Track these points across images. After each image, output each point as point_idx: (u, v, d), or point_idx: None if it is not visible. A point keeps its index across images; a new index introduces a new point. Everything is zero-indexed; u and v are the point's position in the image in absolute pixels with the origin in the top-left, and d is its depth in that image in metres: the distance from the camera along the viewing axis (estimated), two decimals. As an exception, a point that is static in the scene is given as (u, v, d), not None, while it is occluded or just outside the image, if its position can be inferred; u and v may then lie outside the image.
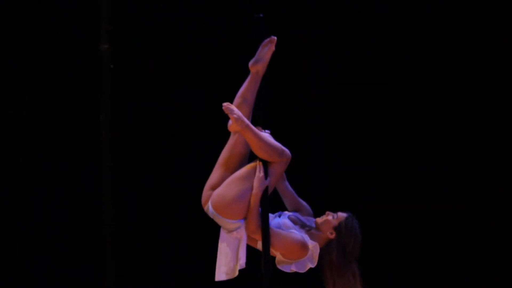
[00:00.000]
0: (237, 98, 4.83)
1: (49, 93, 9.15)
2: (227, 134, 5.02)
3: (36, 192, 9.35)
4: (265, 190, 4.72)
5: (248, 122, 4.70)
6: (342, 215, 4.88)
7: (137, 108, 9.46)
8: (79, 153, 9.22)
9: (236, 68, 5.35)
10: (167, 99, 9.41)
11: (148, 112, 9.35)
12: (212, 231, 5.06)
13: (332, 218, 4.84)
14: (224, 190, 4.75)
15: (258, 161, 4.76)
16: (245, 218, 4.79)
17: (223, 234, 4.82)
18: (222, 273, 4.83)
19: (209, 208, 4.81)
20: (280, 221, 4.90)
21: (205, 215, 4.89)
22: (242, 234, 4.84)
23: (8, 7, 8.82)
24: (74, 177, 9.26)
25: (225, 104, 4.71)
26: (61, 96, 9.15)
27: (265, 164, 4.74)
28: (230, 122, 4.76)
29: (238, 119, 4.68)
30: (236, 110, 4.70)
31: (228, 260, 4.84)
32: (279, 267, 4.87)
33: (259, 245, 4.87)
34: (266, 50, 4.87)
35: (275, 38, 4.90)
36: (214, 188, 4.83)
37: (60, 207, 9.31)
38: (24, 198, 9.46)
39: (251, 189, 4.71)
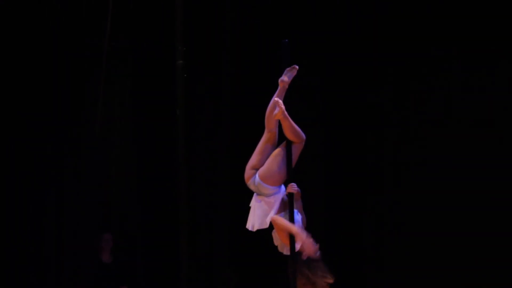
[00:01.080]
0: (271, 103, 6.29)
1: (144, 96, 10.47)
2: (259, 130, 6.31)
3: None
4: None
5: (286, 113, 6.16)
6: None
7: (203, 106, 10.52)
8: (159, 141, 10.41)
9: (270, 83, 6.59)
10: (227, 100, 10.46)
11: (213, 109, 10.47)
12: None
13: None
14: (268, 165, 6.21)
15: (284, 143, 6.18)
16: (280, 186, 6.24)
17: (258, 198, 6.25)
18: (255, 224, 6.25)
19: (254, 180, 6.26)
20: (297, 218, 6.25)
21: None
22: (276, 199, 6.26)
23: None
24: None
25: (276, 98, 6.22)
26: (151, 98, 10.42)
27: (289, 146, 6.20)
28: (276, 111, 6.15)
29: (283, 110, 6.11)
30: (282, 104, 6.15)
31: (262, 216, 6.21)
32: (283, 251, 6.23)
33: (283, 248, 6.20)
34: (290, 73, 6.33)
35: (297, 67, 6.30)
36: (254, 168, 6.27)
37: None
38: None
39: (284, 160, 6.14)
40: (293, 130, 6.22)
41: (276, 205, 6.23)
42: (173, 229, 8.87)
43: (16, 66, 10.03)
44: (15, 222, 9.94)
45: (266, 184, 6.24)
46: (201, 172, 10.44)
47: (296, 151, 6.29)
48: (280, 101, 6.18)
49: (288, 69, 6.35)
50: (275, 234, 6.26)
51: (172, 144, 8.95)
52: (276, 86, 6.44)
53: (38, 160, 10.09)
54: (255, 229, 6.27)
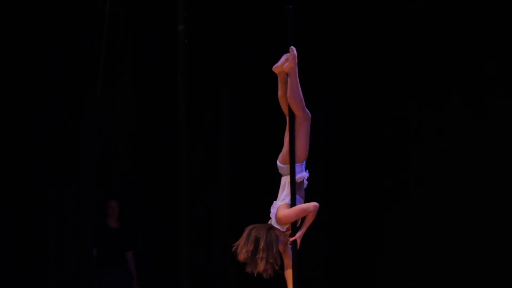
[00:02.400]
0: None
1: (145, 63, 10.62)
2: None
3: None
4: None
5: (296, 70, 5.72)
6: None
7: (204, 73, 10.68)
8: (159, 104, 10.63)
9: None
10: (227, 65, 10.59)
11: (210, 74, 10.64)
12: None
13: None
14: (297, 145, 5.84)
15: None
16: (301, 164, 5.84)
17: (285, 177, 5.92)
18: (284, 200, 5.91)
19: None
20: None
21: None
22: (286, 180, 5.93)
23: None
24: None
25: (293, 47, 5.74)
26: (152, 63, 10.60)
27: (292, 117, 5.79)
28: (281, 61, 5.73)
29: (295, 61, 5.68)
30: (295, 54, 5.70)
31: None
32: (278, 225, 5.83)
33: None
34: (285, 58, 5.81)
35: (294, 51, 5.78)
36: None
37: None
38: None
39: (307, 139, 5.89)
40: (295, 94, 5.76)
41: (286, 189, 5.92)
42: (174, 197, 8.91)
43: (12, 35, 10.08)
44: (18, 188, 10.10)
45: (280, 163, 6.01)
46: (202, 135, 10.56)
47: (301, 130, 5.88)
48: (295, 52, 5.77)
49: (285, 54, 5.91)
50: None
51: (174, 110, 8.88)
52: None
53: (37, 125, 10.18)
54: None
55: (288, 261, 5.86)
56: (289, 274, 5.81)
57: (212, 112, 10.50)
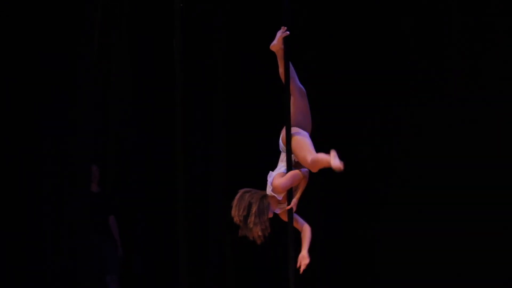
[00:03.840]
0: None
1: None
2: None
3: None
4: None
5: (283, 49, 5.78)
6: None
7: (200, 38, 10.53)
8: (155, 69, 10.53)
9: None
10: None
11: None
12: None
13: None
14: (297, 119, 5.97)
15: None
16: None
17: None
18: (280, 169, 6.00)
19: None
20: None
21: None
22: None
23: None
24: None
25: (284, 27, 5.81)
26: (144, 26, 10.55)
27: (287, 86, 5.84)
28: (276, 38, 5.83)
29: (281, 42, 5.78)
30: (283, 36, 5.82)
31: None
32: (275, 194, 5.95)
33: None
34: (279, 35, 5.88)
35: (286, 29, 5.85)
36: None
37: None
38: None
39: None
40: (285, 72, 5.89)
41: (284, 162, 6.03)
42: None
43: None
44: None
45: (282, 142, 6.09)
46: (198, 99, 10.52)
47: (299, 106, 5.99)
48: (282, 30, 5.89)
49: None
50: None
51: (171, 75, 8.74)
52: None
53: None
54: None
55: (297, 225, 6.03)
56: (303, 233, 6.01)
57: (207, 80, 10.45)
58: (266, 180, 6.04)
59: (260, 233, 5.84)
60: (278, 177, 5.95)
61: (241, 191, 5.96)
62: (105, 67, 10.61)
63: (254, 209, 5.84)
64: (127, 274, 10.45)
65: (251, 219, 5.84)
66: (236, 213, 5.87)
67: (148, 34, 10.47)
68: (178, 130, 8.16)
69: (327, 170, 5.69)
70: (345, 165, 5.48)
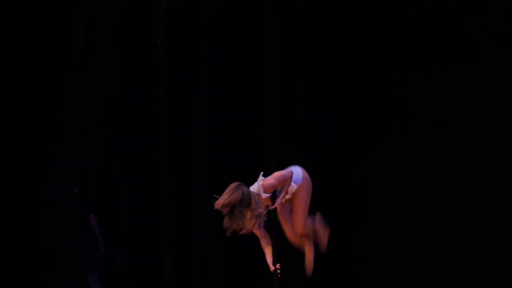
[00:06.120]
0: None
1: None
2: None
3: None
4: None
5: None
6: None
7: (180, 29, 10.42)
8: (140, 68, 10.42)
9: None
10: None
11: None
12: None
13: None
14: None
15: None
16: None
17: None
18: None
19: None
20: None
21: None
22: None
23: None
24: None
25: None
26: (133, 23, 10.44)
27: None
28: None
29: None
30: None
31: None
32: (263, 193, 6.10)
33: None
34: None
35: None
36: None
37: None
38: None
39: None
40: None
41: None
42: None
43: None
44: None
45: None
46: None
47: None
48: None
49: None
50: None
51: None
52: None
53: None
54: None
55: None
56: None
57: (193, 72, 10.44)
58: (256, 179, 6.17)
59: (254, 223, 5.91)
60: (267, 179, 6.14)
61: (235, 183, 5.94)
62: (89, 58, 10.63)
63: (253, 201, 5.89)
64: (110, 271, 10.46)
65: (249, 210, 5.87)
66: (228, 203, 5.83)
67: (133, 36, 10.47)
68: (162, 125, 8.34)
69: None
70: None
